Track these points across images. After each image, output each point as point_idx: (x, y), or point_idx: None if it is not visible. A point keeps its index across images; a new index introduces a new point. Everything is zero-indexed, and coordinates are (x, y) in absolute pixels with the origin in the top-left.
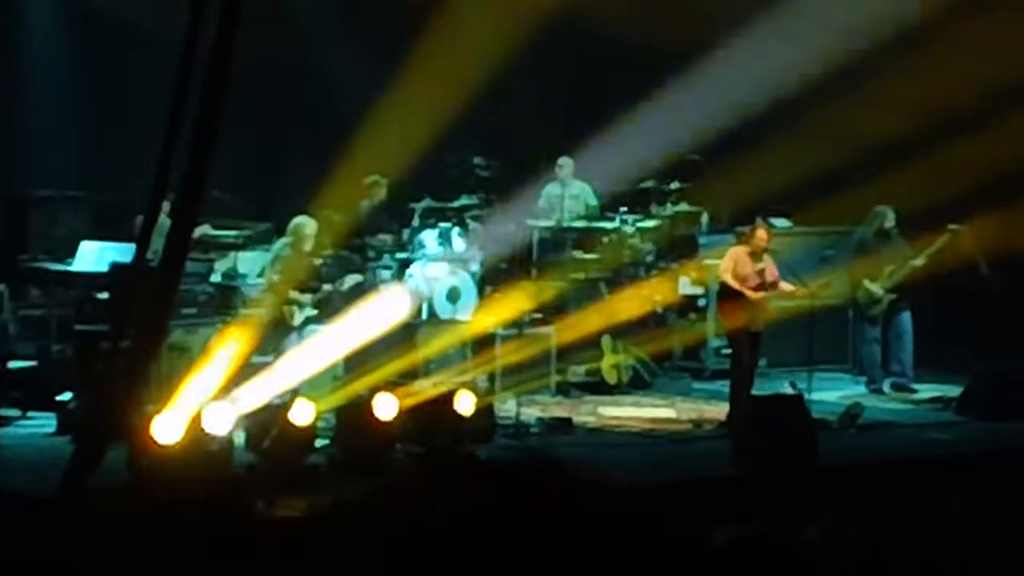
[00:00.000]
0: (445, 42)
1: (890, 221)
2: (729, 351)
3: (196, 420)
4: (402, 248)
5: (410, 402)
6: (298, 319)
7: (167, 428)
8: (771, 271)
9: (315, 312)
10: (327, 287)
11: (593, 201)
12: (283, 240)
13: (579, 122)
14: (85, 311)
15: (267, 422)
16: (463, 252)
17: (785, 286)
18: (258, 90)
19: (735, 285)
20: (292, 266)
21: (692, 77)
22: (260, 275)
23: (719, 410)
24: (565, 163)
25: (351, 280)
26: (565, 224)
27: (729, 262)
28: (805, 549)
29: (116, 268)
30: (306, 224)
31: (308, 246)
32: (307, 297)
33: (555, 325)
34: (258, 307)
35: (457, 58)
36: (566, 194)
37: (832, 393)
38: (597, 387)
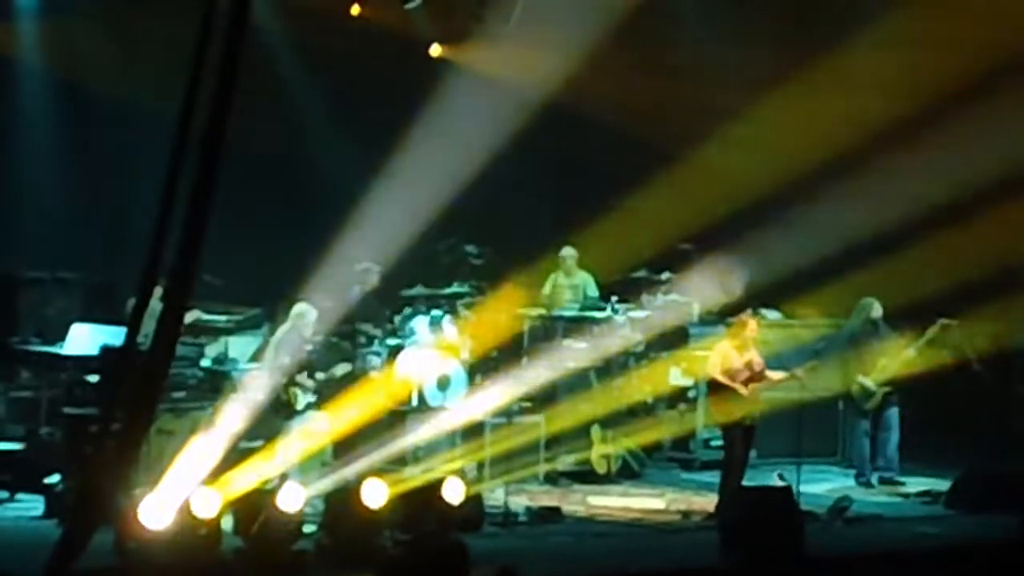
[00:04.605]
0: (438, 128)
1: (877, 312)
2: (719, 443)
3: (184, 504)
4: (393, 334)
5: (399, 489)
6: (300, 404)
7: (155, 512)
8: (757, 361)
9: (315, 398)
10: (321, 375)
11: (593, 292)
12: (285, 326)
13: (572, 210)
14: (75, 394)
15: (255, 507)
16: (454, 340)
17: (772, 375)
18: (251, 175)
19: (726, 382)
20: (293, 351)
21: (685, 167)
22: (251, 359)
23: (708, 501)
24: (569, 253)
25: (342, 369)
26: (555, 313)
27: (717, 358)
28: None
29: (106, 351)
30: (307, 311)
31: (309, 332)
32: (309, 383)
33: (544, 414)
34: (252, 391)
35: (450, 144)
36: (567, 284)
37: (821, 485)
38: (586, 476)
